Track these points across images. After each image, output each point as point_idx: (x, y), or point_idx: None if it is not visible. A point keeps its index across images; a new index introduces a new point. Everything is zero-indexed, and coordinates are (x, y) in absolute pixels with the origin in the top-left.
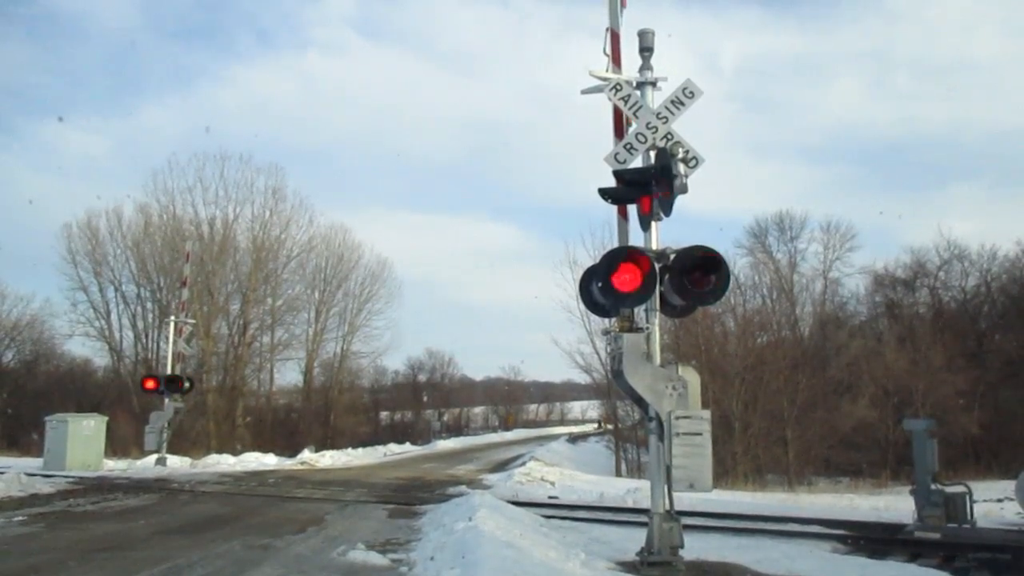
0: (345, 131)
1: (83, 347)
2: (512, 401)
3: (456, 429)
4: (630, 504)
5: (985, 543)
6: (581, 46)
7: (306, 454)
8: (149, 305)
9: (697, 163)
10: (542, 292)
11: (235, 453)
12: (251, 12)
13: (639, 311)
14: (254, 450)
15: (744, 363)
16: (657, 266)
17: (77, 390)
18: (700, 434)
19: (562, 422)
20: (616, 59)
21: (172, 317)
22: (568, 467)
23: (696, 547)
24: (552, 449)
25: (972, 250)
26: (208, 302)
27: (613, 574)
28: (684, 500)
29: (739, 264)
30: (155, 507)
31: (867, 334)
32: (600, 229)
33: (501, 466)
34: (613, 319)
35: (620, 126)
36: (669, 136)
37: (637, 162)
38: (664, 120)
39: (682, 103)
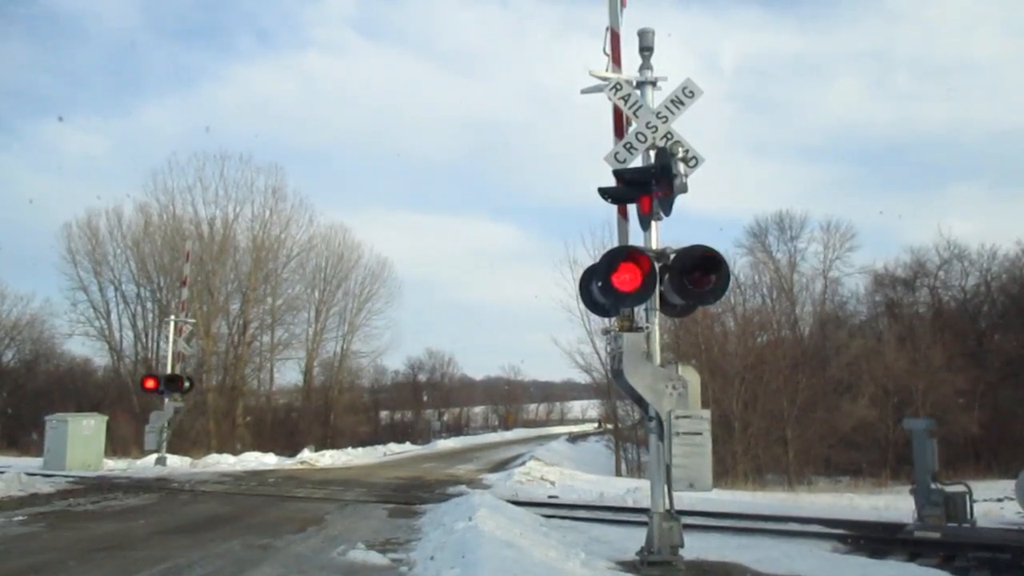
0: (345, 131)
1: (83, 347)
2: (512, 401)
3: (456, 429)
4: (630, 503)
5: (985, 543)
6: (581, 46)
7: (306, 454)
8: (149, 305)
9: (697, 163)
10: (542, 292)
11: (235, 453)
12: (251, 12)
13: (639, 310)
14: (254, 450)
15: (744, 363)
16: (657, 266)
17: (77, 390)
18: (700, 433)
19: (562, 422)
20: (616, 59)
21: (172, 316)
22: (568, 467)
23: (696, 546)
24: (552, 449)
25: (972, 250)
26: (208, 302)
27: (613, 574)
28: (684, 499)
29: (739, 264)
30: (155, 507)
31: (867, 334)
32: (600, 229)
33: (501, 465)
34: (613, 318)
35: (620, 126)
36: (669, 136)
37: (637, 162)
38: (664, 120)
39: (682, 103)
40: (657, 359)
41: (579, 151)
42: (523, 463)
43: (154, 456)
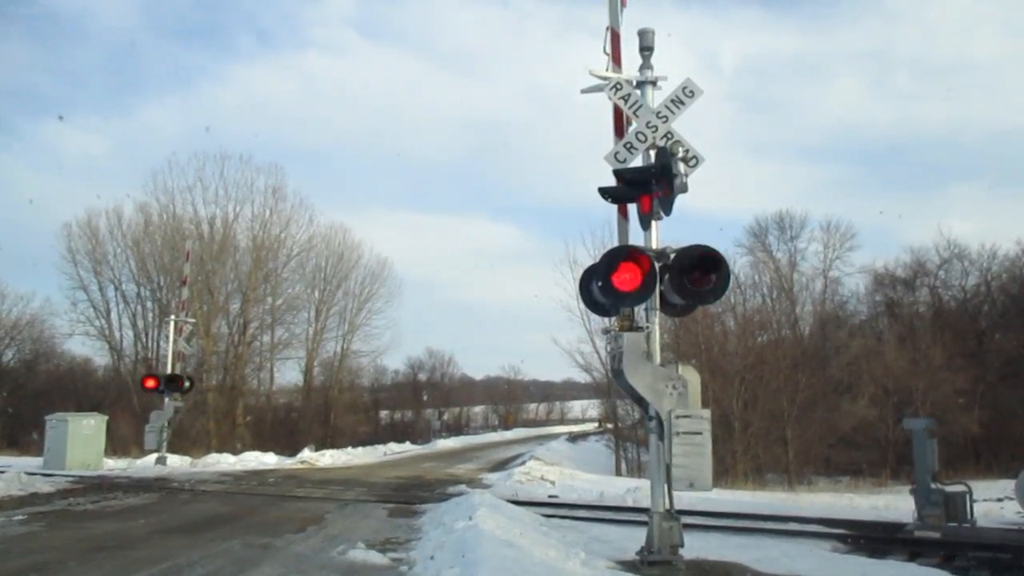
0: (345, 131)
1: (83, 346)
2: (512, 400)
3: (456, 428)
4: (630, 503)
5: (985, 542)
6: (581, 46)
7: (306, 453)
8: (149, 304)
9: (697, 162)
10: (542, 292)
11: (235, 452)
12: (251, 12)
13: (639, 310)
14: (254, 449)
15: (744, 362)
16: (657, 265)
17: (77, 389)
18: (700, 433)
19: (562, 421)
20: (616, 58)
21: (172, 316)
22: (568, 466)
23: (696, 546)
24: (552, 448)
25: (972, 249)
26: (208, 301)
27: (613, 573)
28: (684, 499)
29: (739, 263)
30: (155, 506)
31: (867, 333)
32: (600, 228)
33: (501, 465)
34: (613, 318)
35: (620, 125)
36: (669, 135)
37: (637, 161)
38: (664, 119)
39: (682, 102)
40: (657, 359)
41: (579, 151)
42: (523, 463)
43: (154, 456)
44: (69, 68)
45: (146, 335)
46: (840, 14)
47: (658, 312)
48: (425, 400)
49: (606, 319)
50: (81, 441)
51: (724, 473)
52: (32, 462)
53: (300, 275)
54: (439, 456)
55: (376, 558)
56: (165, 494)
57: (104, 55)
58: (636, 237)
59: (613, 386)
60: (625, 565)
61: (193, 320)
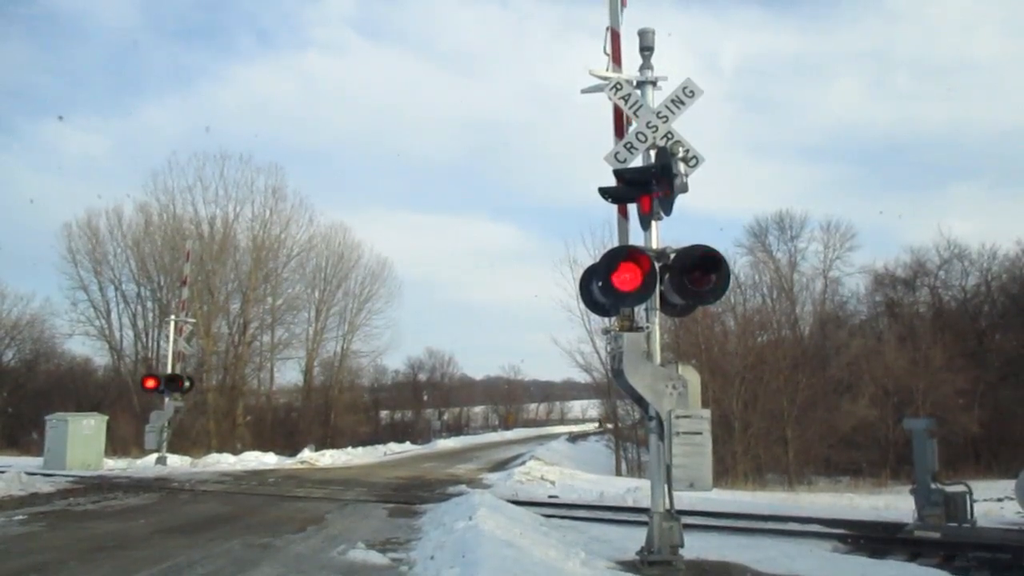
0: (345, 131)
1: (83, 346)
2: (512, 400)
3: (456, 428)
4: (630, 503)
5: (985, 542)
6: (581, 46)
7: (306, 453)
8: (149, 304)
9: (697, 162)
10: (542, 292)
11: (235, 452)
12: (251, 12)
13: (639, 310)
14: (254, 449)
15: (744, 362)
16: (657, 265)
17: (77, 389)
18: (700, 433)
19: (562, 421)
20: (616, 58)
21: (172, 316)
22: (568, 466)
23: (696, 546)
24: (552, 448)
25: (972, 249)
26: (208, 301)
27: (613, 573)
28: (684, 499)
29: (739, 263)
30: (155, 506)
31: (867, 333)
32: (600, 228)
33: (501, 465)
34: (613, 318)
35: (620, 125)
36: (669, 135)
37: (637, 161)
38: (664, 119)
39: (682, 102)
40: (657, 359)
41: (579, 151)
42: (523, 463)
43: (154, 456)
44: (69, 68)
45: (146, 335)
46: (840, 14)
47: (658, 312)
48: (425, 400)
49: (606, 319)
50: (81, 441)
51: (724, 473)
52: (32, 462)
53: (300, 275)
54: (439, 456)
55: (376, 558)
56: (165, 494)
57: (104, 55)
58: (636, 237)
59: (613, 386)
60: (625, 565)
61: (193, 320)
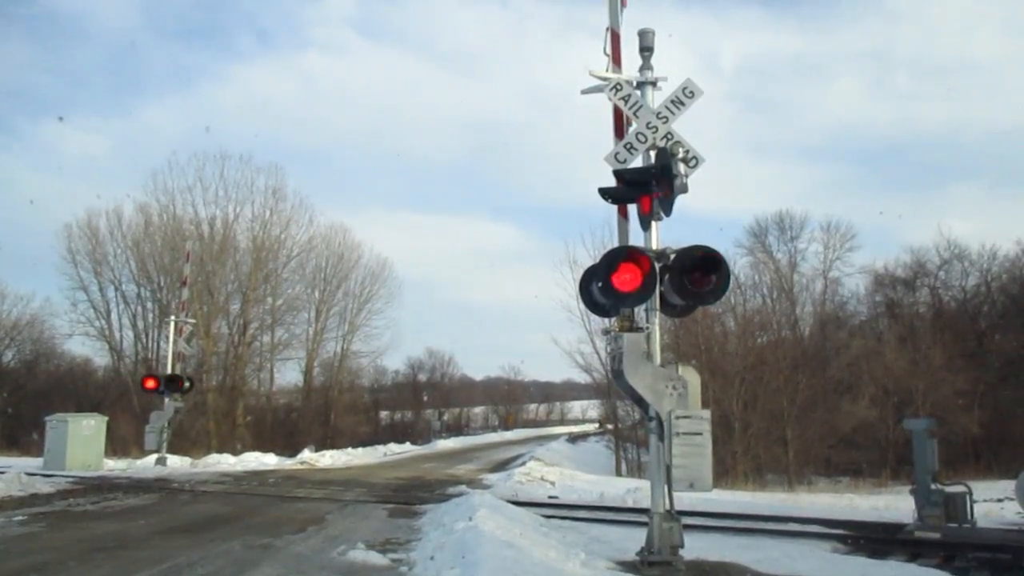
0: (345, 131)
1: (83, 347)
2: (512, 401)
3: (456, 429)
4: (630, 504)
5: (985, 543)
6: (581, 46)
7: (306, 454)
8: (149, 305)
9: (697, 163)
10: (542, 292)
11: (235, 453)
12: (251, 12)
13: (639, 311)
14: (254, 450)
15: (744, 363)
16: (657, 266)
17: (77, 390)
18: (700, 434)
19: (562, 422)
20: (616, 59)
21: (172, 317)
22: (568, 467)
23: (696, 547)
24: (552, 449)
25: (972, 250)
26: (208, 302)
27: (613, 574)
28: (684, 500)
29: (739, 264)
30: (155, 507)
31: (867, 334)
32: (600, 229)
33: (501, 466)
34: (613, 319)
35: (620, 126)
36: (669, 136)
37: (637, 162)
38: (664, 120)
39: (682, 103)
40: (657, 359)
41: (579, 151)
42: (523, 463)
43: (154, 456)
44: (69, 68)
45: (146, 335)
46: (840, 14)
47: (658, 313)
48: (425, 400)
49: (606, 320)
50: (81, 441)
51: (724, 474)
52: (32, 462)
53: (300, 275)
54: (439, 457)
55: (376, 559)
56: (165, 495)
57: (104, 55)
58: (636, 237)
59: (613, 387)
60: (625, 566)
61: (193, 320)
